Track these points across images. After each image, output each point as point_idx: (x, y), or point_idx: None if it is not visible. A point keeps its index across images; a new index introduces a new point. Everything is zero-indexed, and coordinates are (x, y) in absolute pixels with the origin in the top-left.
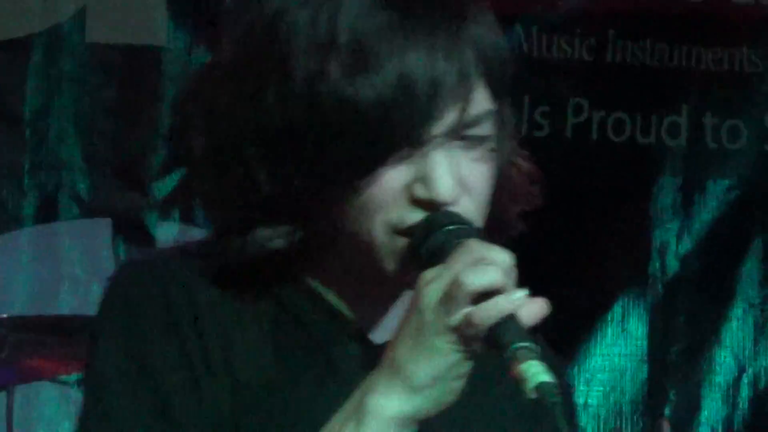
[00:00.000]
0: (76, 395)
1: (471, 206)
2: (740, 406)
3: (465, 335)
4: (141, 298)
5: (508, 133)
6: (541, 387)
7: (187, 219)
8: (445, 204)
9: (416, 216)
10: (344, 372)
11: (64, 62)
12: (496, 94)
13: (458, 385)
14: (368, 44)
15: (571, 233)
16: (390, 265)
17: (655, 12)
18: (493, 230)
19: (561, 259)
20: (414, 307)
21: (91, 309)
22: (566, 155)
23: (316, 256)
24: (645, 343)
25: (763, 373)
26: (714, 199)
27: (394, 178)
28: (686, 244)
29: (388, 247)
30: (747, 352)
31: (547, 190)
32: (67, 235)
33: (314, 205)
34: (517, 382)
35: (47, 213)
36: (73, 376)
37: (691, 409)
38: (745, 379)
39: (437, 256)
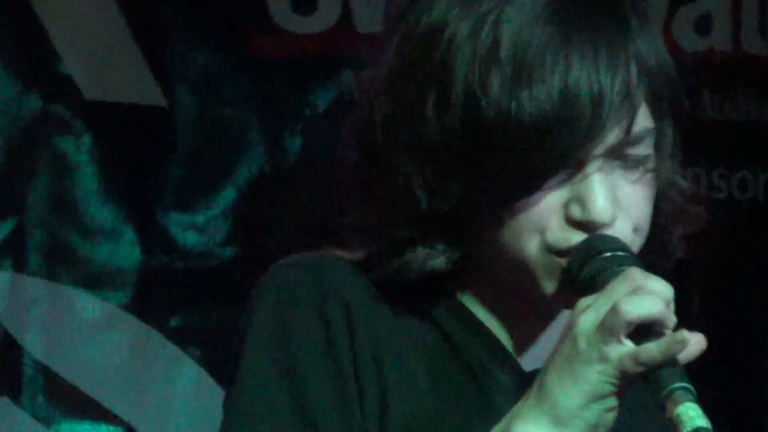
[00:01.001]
0: None
1: (627, 229)
2: None
3: (623, 369)
4: (296, 305)
5: (668, 153)
6: None
7: (20, 268)
8: (602, 226)
9: (573, 237)
10: (495, 402)
11: None
12: (657, 111)
13: (608, 418)
14: (531, 58)
15: None
16: (548, 285)
17: None
18: (657, 253)
19: None
20: (568, 334)
21: None
22: None
23: (470, 276)
24: None
25: None
26: None
27: (551, 199)
28: None
29: (546, 267)
30: None
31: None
32: None
33: (471, 224)
34: (672, 423)
35: None
36: None
37: None
38: None
39: (594, 282)
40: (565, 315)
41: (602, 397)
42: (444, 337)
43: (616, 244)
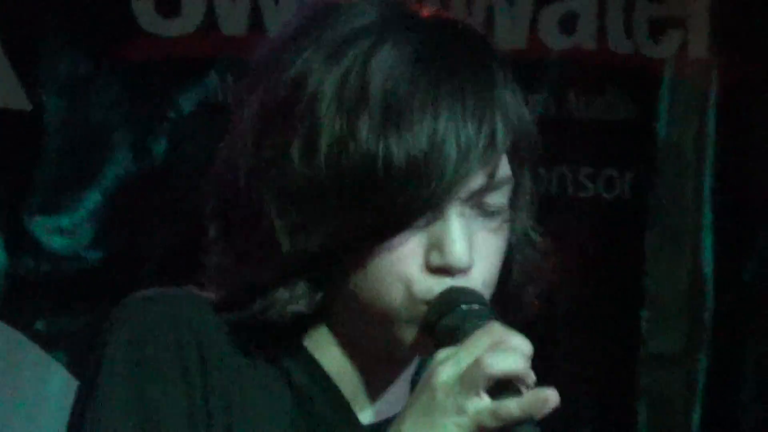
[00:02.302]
0: None
1: (481, 277)
2: None
3: (480, 423)
4: (151, 341)
5: (525, 205)
6: None
7: None
8: (459, 271)
9: (436, 287)
10: None
11: None
12: (516, 162)
13: None
14: (400, 103)
15: None
16: (406, 334)
17: None
18: (508, 309)
19: None
20: (425, 386)
21: None
22: None
23: (324, 323)
24: None
25: None
26: None
27: (411, 243)
28: None
29: (409, 315)
30: None
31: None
32: None
33: (332, 268)
34: None
35: None
36: None
37: None
38: None
39: (452, 334)
40: (413, 367)
41: None
42: (291, 387)
43: (474, 297)
